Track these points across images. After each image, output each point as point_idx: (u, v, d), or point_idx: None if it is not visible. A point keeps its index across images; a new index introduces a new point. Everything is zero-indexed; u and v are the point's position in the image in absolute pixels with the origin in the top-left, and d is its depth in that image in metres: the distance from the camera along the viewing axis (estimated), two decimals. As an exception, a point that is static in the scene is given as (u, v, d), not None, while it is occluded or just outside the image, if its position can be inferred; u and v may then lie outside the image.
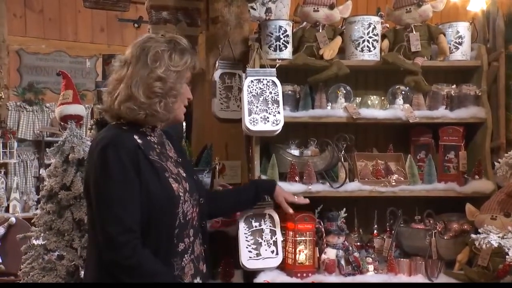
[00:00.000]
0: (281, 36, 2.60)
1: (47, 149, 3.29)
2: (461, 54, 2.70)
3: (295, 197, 2.25)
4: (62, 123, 3.19)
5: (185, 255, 1.78)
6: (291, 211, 2.25)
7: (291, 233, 2.37)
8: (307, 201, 2.28)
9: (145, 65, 1.71)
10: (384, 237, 2.60)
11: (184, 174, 1.82)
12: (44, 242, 2.91)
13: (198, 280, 1.84)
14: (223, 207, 2.18)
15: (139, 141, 1.72)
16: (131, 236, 1.64)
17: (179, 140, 2.17)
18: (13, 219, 4.22)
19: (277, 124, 2.42)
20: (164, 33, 1.83)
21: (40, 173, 6.51)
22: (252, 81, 2.46)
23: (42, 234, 2.94)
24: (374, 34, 2.63)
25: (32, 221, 3.11)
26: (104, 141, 1.70)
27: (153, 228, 1.69)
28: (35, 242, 2.96)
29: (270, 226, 2.34)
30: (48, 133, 6.78)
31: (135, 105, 1.71)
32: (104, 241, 1.65)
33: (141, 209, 1.67)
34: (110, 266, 1.66)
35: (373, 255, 2.44)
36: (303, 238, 2.35)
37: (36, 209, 4.46)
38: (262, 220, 2.34)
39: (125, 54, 1.78)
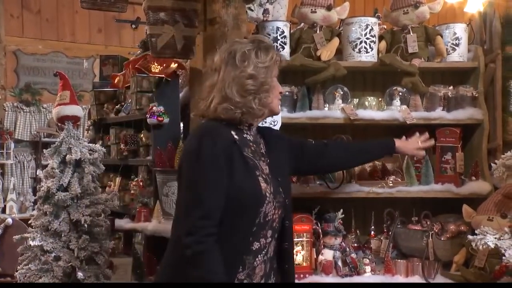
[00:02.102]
0: (279, 37, 2.61)
1: (44, 150, 3.28)
2: (458, 56, 2.70)
3: (418, 142, 2.33)
4: (59, 124, 3.19)
5: (259, 255, 1.78)
6: (422, 153, 2.38)
7: (288, 234, 2.36)
8: (431, 143, 2.40)
9: (235, 66, 1.78)
10: (381, 238, 2.60)
11: (271, 176, 1.83)
12: (40, 243, 2.91)
13: (263, 280, 1.82)
14: (338, 162, 2.25)
15: (236, 136, 1.78)
16: (209, 222, 1.66)
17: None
18: (9, 220, 4.20)
19: (274, 125, 2.43)
20: (247, 35, 1.90)
21: (37, 174, 6.48)
22: (249, 82, 2.45)
23: (38, 235, 2.94)
24: (371, 35, 2.64)
25: (29, 222, 3.10)
26: (202, 130, 1.79)
27: (233, 222, 1.71)
28: (31, 243, 2.95)
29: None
30: (45, 134, 6.77)
31: (231, 105, 1.77)
32: (185, 226, 1.68)
33: (225, 201, 1.69)
34: (184, 251, 1.67)
35: (370, 256, 2.44)
36: (300, 239, 2.35)
37: (33, 210, 4.45)
38: (260, 221, 2.33)
39: (214, 61, 1.85)
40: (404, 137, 2.35)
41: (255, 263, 1.77)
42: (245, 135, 1.83)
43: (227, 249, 1.69)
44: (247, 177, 1.74)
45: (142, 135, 3.68)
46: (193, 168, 1.71)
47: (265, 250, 1.79)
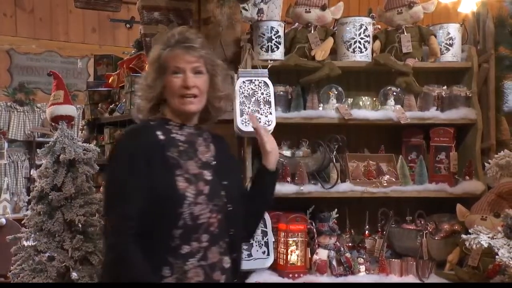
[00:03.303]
0: (273, 37, 2.61)
1: (38, 149, 3.27)
2: (452, 56, 2.71)
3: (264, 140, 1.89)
4: (53, 124, 3.18)
5: (190, 259, 1.70)
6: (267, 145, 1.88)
7: (282, 233, 2.37)
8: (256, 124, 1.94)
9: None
10: (376, 237, 2.60)
11: (209, 178, 1.77)
12: (34, 243, 2.90)
13: None
14: (252, 212, 1.93)
15: (161, 137, 1.76)
16: (128, 223, 1.65)
17: None
18: (3, 220, 4.19)
19: (269, 125, 2.43)
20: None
21: (31, 173, 6.46)
22: (244, 82, 2.46)
23: (32, 235, 2.93)
24: (365, 35, 2.64)
25: (23, 222, 3.10)
26: (124, 133, 1.83)
27: (153, 222, 1.68)
28: (25, 243, 2.94)
29: (262, 227, 2.35)
30: (39, 133, 6.74)
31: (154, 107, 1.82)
32: (109, 228, 1.68)
33: (144, 200, 1.67)
34: (108, 252, 1.67)
35: (364, 256, 2.45)
36: (295, 239, 2.35)
37: (27, 210, 4.43)
38: (254, 221, 2.33)
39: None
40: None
41: (185, 267, 1.69)
42: (173, 135, 1.78)
43: (147, 248, 1.65)
44: (162, 176, 1.70)
45: (136, 135, 3.67)
46: (112, 170, 1.74)
47: (199, 254, 1.71)
